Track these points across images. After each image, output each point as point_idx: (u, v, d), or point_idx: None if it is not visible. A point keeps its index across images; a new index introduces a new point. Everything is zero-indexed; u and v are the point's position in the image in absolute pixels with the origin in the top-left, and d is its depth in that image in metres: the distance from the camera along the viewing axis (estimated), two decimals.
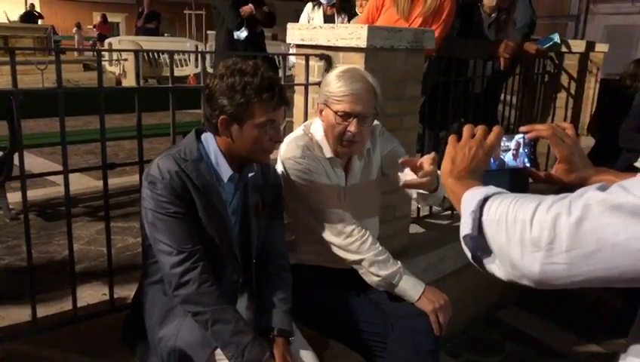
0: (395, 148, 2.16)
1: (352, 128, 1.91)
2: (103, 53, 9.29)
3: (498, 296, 3.45)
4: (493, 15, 3.82)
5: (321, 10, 5.62)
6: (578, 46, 4.54)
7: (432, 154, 1.80)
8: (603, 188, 0.73)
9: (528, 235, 0.77)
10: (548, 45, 3.83)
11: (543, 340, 3.22)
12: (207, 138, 1.71)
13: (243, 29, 4.65)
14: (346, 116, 1.91)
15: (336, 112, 1.91)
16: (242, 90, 1.59)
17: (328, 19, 5.51)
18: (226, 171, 1.70)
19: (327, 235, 1.96)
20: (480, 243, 0.87)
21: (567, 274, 0.74)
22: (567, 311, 3.17)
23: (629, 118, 3.75)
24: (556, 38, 3.79)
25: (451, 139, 1.13)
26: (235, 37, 4.63)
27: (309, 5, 5.81)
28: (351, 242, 1.93)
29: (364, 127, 1.93)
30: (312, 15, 5.72)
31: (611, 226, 0.69)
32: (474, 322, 3.32)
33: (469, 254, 0.91)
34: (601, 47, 4.80)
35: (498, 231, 0.83)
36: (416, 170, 1.79)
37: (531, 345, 3.19)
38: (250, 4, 4.79)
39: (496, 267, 0.86)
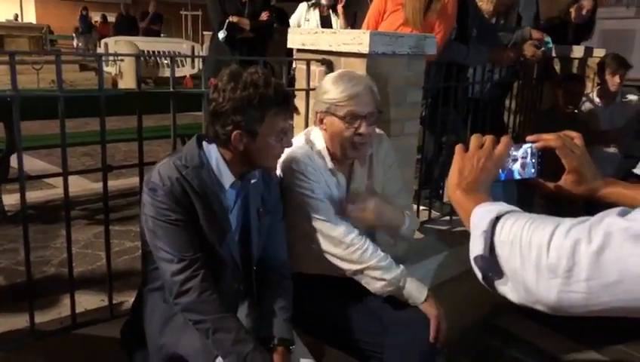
0: (391, 173, 2.16)
1: (362, 129, 1.91)
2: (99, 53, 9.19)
3: (497, 302, 3.44)
4: (492, 20, 3.82)
5: (317, 11, 5.45)
6: (577, 52, 4.54)
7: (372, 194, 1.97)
8: (623, 214, 0.71)
9: (545, 261, 0.74)
10: (542, 50, 3.83)
11: (542, 346, 3.20)
12: (209, 146, 1.68)
13: (223, 30, 4.56)
14: (353, 119, 1.90)
15: (343, 117, 1.90)
16: (259, 104, 1.56)
17: (324, 19, 5.39)
18: (227, 178, 1.68)
19: (327, 246, 1.93)
20: (491, 264, 0.84)
21: (585, 303, 0.72)
22: (567, 317, 3.15)
23: (628, 124, 3.76)
24: (549, 41, 3.81)
25: (458, 149, 1.10)
26: (218, 37, 4.56)
27: (304, 5, 5.61)
28: (352, 251, 1.91)
29: (371, 126, 1.94)
30: (307, 16, 5.56)
31: (634, 257, 0.66)
32: (472, 328, 3.30)
33: (479, 275, 0.87)
34: (599, 53, 4.80)
35: (512, 253, 0.79)
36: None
37: (530, 351, 3.17)
38: (239, 18, 4.60)
39: (508, 290, 0.82)
